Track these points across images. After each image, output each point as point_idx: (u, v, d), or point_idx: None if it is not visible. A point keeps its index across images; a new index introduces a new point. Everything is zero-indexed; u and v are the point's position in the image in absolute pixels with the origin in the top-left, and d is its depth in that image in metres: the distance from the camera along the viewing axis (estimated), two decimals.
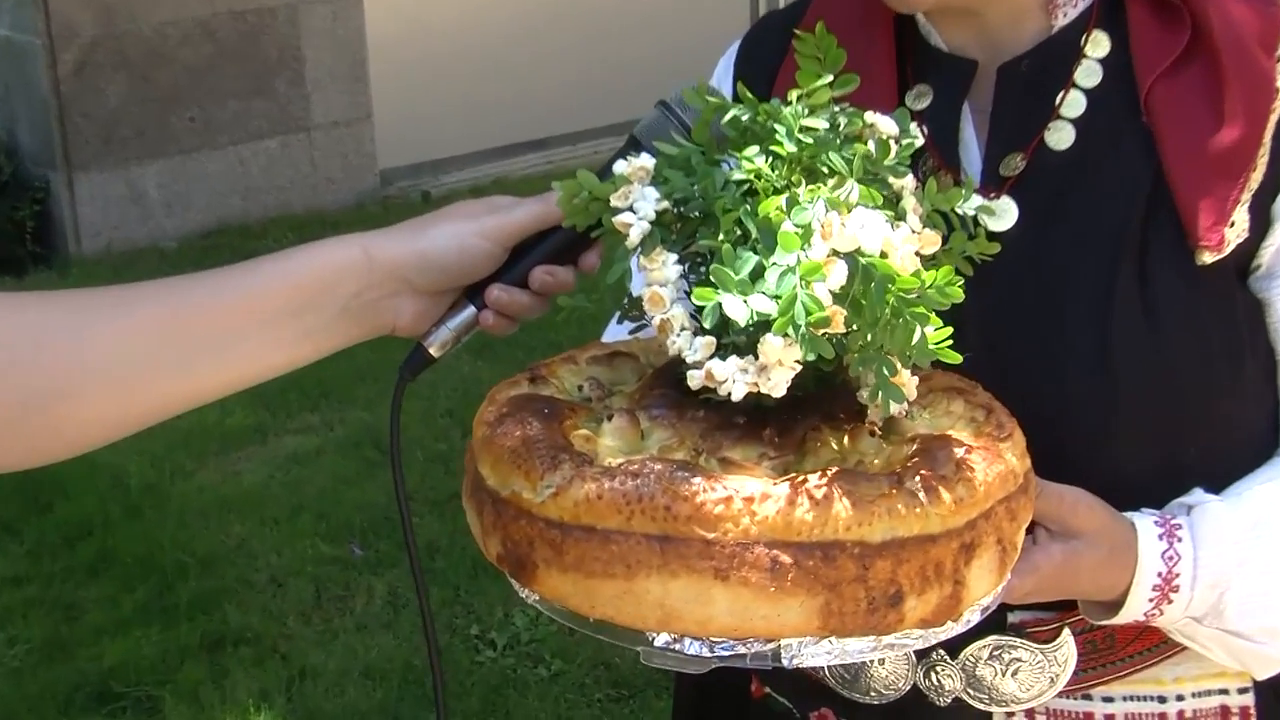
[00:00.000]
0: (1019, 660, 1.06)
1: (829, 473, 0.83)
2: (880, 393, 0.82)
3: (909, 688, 1.09)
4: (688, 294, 0.95)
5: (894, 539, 0.81)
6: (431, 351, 1.03)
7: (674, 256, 0.90)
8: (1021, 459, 0.92)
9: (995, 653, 1.07)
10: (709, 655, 0.82)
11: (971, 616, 0.88)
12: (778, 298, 0.79)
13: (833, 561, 0.80)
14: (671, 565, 0.80)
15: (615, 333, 1.19)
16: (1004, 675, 1.07)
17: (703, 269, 0.94)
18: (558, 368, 1.05)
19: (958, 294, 0.80)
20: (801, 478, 0.82)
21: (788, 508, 0.80)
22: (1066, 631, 1.06)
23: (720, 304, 0.79)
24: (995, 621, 0.98)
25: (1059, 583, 0.99)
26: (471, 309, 1.01)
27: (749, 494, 0.80)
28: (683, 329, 0.88)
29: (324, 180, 5.76)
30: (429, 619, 1.06)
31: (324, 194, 5.73)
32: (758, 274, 0.82)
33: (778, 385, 0.82)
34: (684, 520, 0.80)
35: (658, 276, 0.90)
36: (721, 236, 0.88)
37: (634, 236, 0.90)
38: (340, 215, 5.57)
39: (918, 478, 0.84)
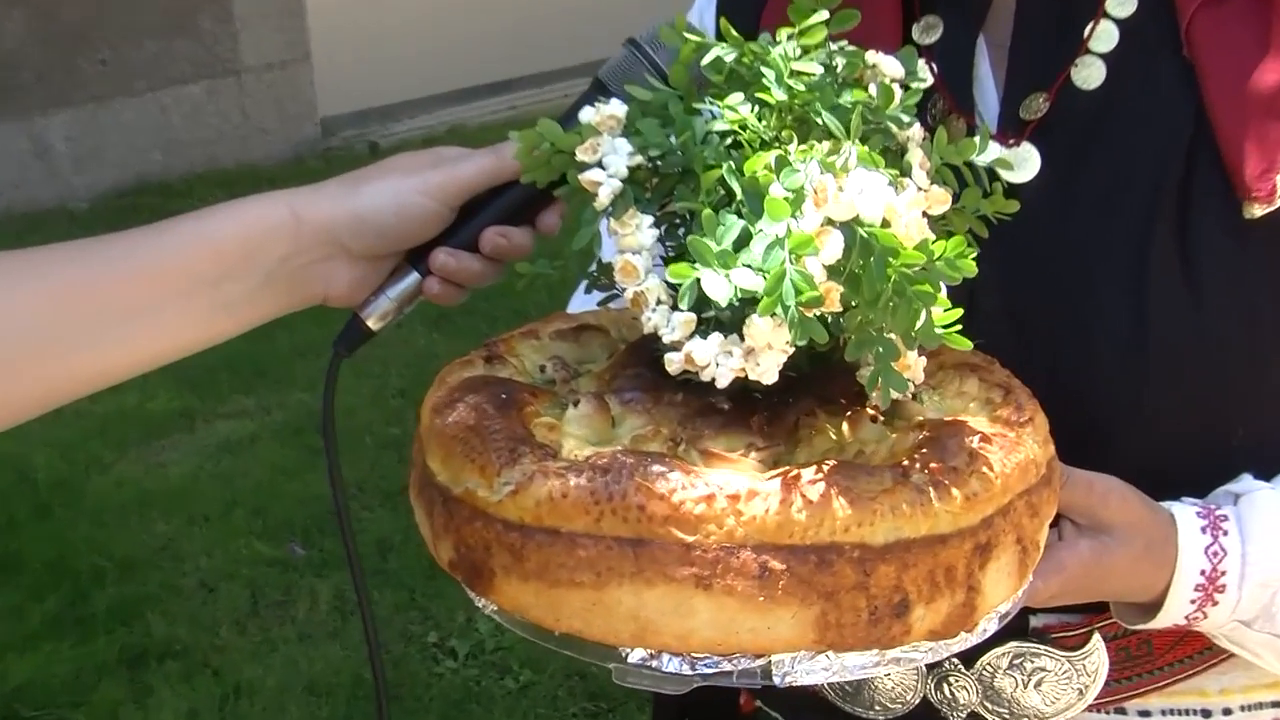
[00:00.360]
0: (1043, 670, 1.07)
1: (825, 466, 0.82)
2: (880, 379, 0.82)
3: (918, 701, 1.09)
4: (664, 261, 0.94)
5: (899, 541, 0.81)
6: (369, 324, 1.02)
7: (649, 219, 0.89)
8: (1044, 446, 0.92)
9: (1016, 661, 1.07)
10: (690, 673, 0.82)
11: (988, 625, 0.88)
12: (764, 272, 0.79)
13: (829, 567, 0.80)
14: (646, 573, 0.79)
15: (582, 303, 1.19)
16: (1026, 687, 1.07)
17: (681, 232, 0.93)
18: (517, 344, 1.05)
19: (970, 267, 0.79)
20: (794, 472, 0.82)
21: (778, 506, 0.80)
22: (1097, 637, 1.07)
23: (699, 281, 0.79)
24: (1015, 627, 0.99)
25: (1088, 583, 0.99)
26: (414, 276, 1.01)
27: (734, 491, 0.80)
28: (658, 303, 0.87)
29: (256, 131, 5.71)
30: (370, 624, 1.07)
31: (256, 146, 5.69)
32: (742, 242, 0.81)
33: (767, 371, 0.81)
34: (660, 522, 0.79)
35: (630, 243, 0.89)
36: (702, 198, 0.87)
37: (603, 196, 0.89)
38: (276, 170, 5.54)
39: (926, 470, 0.84)
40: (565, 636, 0.84)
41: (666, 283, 0.90)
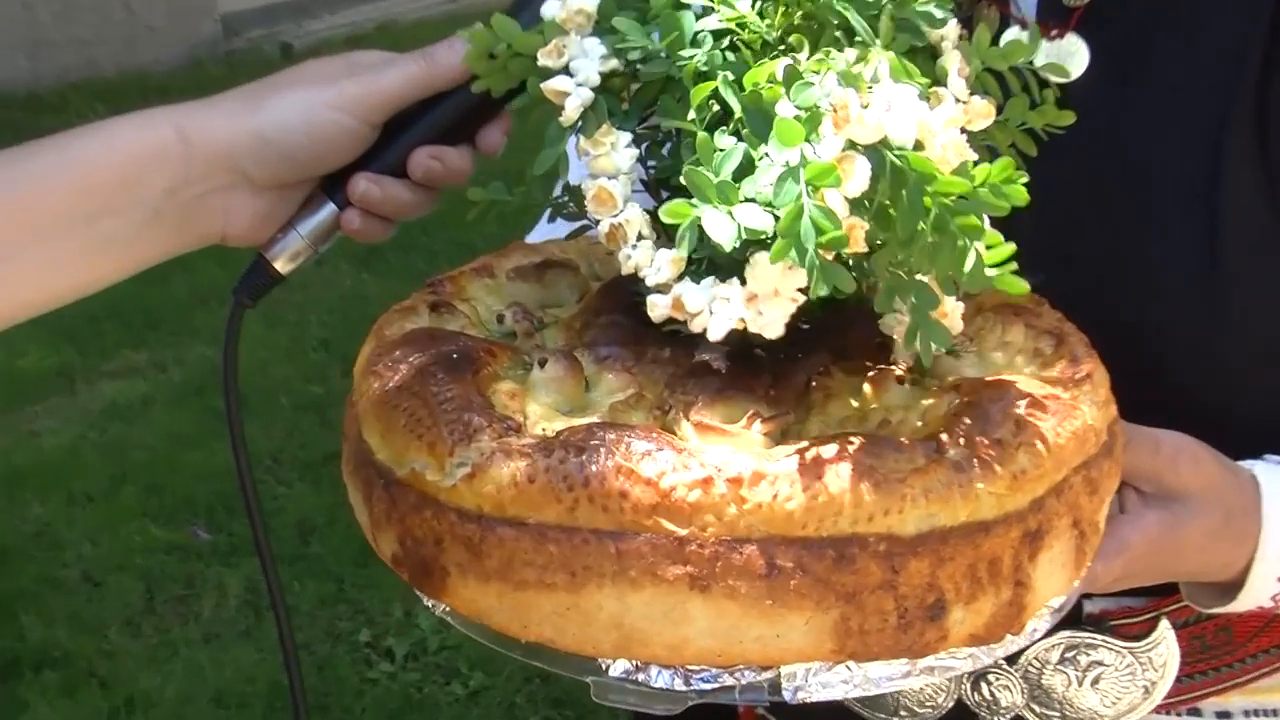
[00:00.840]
0: (1100, 664, 1.07)
1: (844, 440, 0.82)
2: (919, 333, 0.81)
3: (951, 705, 1.10)
4: (645, 185, 0.93)
5: (933, 530, 0.80)
6: (277, 266, 1.02)
7: (626, 137, 0.88)
8: (1104, 407, 0.92)
9: (1068, 655, 1.07)
10: (684, 689, 0.82)
11: (1038, 625, 0.87)
12: (771, 208, 0.77)
13: (850, 563, 0.79)
14: (631, 572, 0.79)
15: (546, 233, 1.18)
16: (1081, 685, 1.07)
17: (666, 151, 0.92)
18: (467, 284, 1.04)
19: (1020, 195, 0.78)
20: (807, 448, 0.81)
21: (789, 491, 0.79)
22: (1164, 624, 1.07)
23: (698, 222, 0.78)
24: (1067, 613, 0.98)
25: (1157, 562, 0.99)
26: (330, 208, 1.00)
27: (736, 473, 0.79)
28: (640, 238, 0.86)
29: (143, 30, 5.64)
30: (284, 622, 1.07)
31: (144, 48, 5.62)
32: (744, 170, 0.80)
33: (772, 323, 0.80)
34: (647, 511, 0.79)
35: (604, 165, 0.88)
36: (692, 114, 0.86)
37: (571, 109, 0.88)
38: (168, 78, 5.48)
39: (964, 444, 0.83)
40: (534, 646, 0.83)
41: (649, 213, 0.89)
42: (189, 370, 3.95)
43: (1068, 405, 0.88)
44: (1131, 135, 1.03)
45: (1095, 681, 1.07)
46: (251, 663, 3.01)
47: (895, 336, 0.92)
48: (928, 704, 1.10)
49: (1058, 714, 1.08)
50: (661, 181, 0.94)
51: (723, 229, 0.78)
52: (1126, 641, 1.06)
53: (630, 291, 0.97)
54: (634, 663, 0.82)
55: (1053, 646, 1.07)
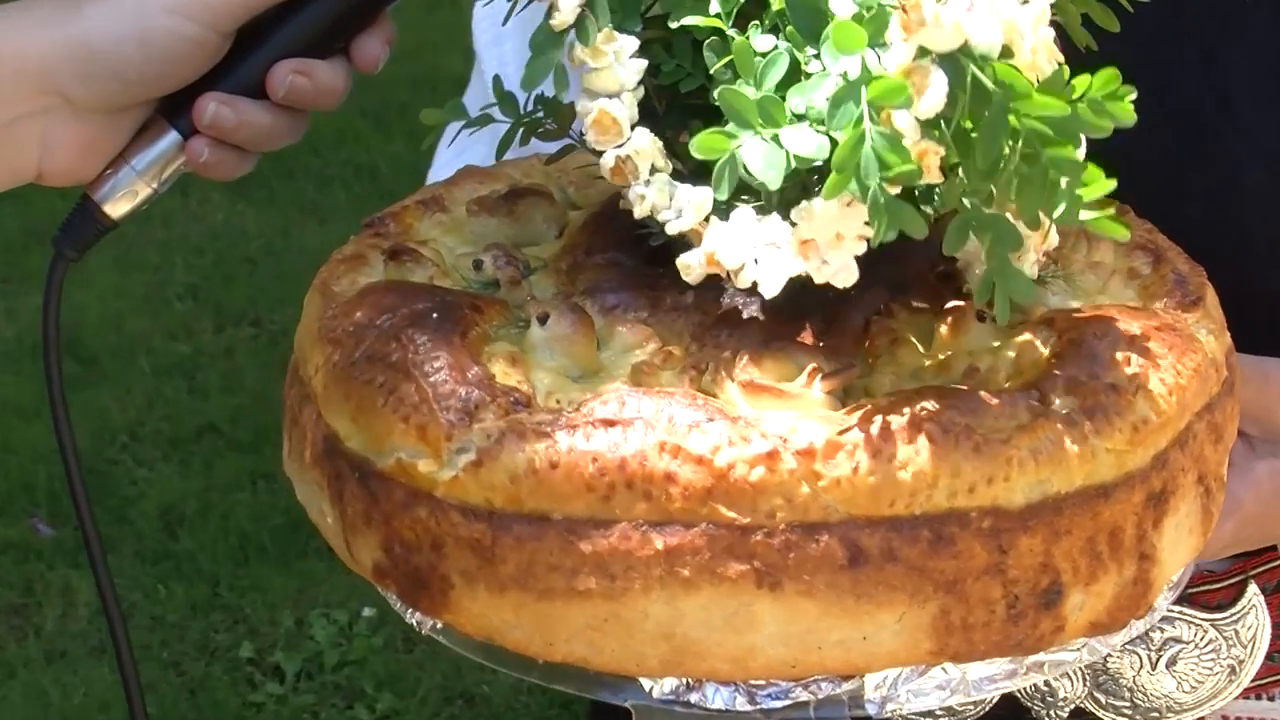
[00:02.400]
0: (1177, 641, 1.08)
1: (930, 395, 0.81)
2: (995, 284, 0.80)
3: (997, 697, 1.10)
4: (650, 107, 0.92)
5: (1045, 499, 0.80)
6: (107, 210, 1.01)
7: (633, 43, 0.86)
8: (1221, 336, 0.92)
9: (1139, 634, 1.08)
10: (747, 709, 0.81)
11: (1161, 601, 0.88)
12: (821, 126, 0.76)
13: (950, 545, 0.79)
14: (685, 571, 0.78)
15: (454, 158, 1.17)
16: (1154, 667, 1.08)
17: (672, 55, 0.91)
18: (415, 222, 1.03)
19: (1127, 113, 0.77)
20: (886, 407, 0.80)
21: (871, 463, 0.78)
22: (1252, 590, 1.08)
23: (737, 156, 0.76)
24: None
25: (1270, 521, 1.00)
26: (173, 136, 0.99)
27: (805, 443, 0.79)
28: (654, 172, 0.85)
29: None
30: (121, 639, 1.06)
31: None
32: (789, 81, 0.79)
33: (843, 269, 0.80)
34: (701, 496, 0.78)
35: (607, 81, 0.86)
36: (717, 6, 0.85)
37: (566, 8, 0.86)
38: None
39: (1071, 392, 0.83)
40: (558, 668, 0.83)
41: (665, 139, 0.87)
42: (22, 325, 3.89)
43: (1184, 336, 0.88)
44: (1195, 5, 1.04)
45: (1171, 662, 1.08)
46: (106, 685, 2.99)
47: (967, 261, 0.92)
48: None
49: (1126, 703, 1.09)
50: (674, 102, 0.93)
51: (767, 161, 0.77)
52: (1207, 613, 1.08)
53: (628, 221, 0.96)
54: (685, 680, 0.81)
55: (1111, 648, 1.08)
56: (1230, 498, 0.96)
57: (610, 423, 0.80)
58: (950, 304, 0.90)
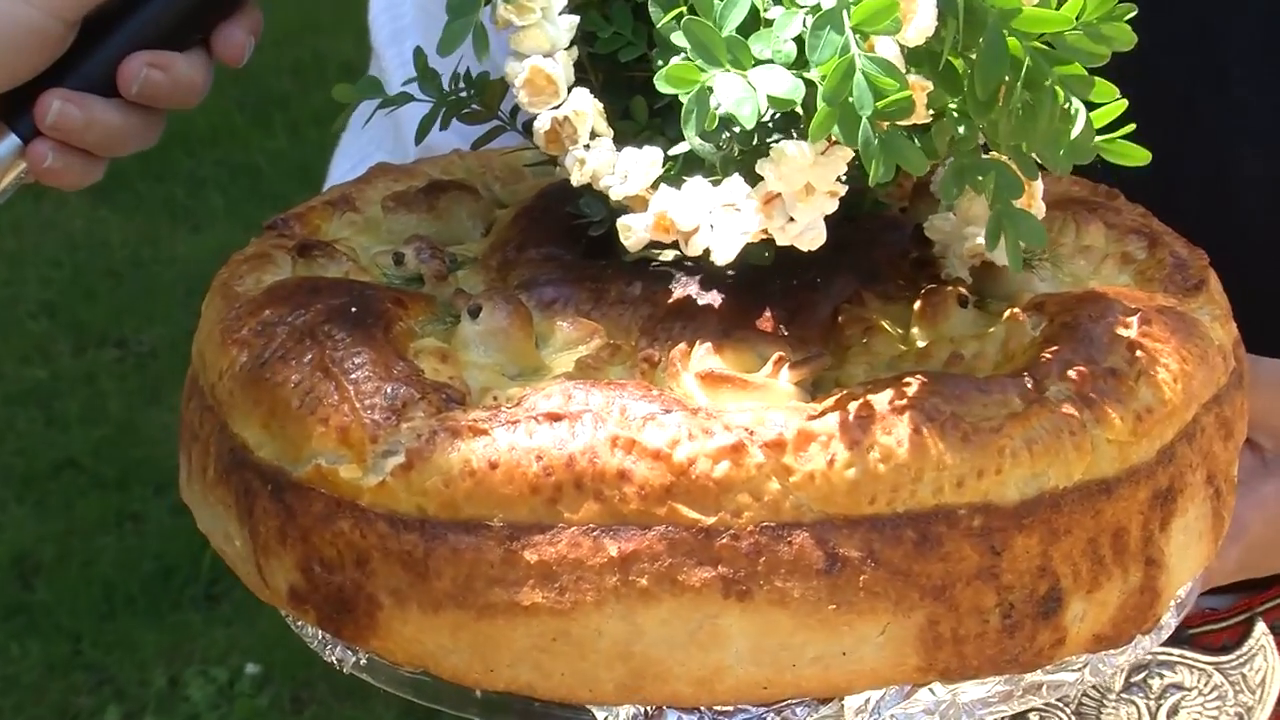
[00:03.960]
0: (1179, 688, 1.09)
1: (911, 380, 0.82)
2: (1005, 230, 0.81)
3: None
4: (589, 69, 0.92)
5: (1041, 494, 0.81)
6: None
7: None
8: (1227, 323, 0.94)
9: (1136, 679, 1.09)
10: None
11: (1168, 619, 0.89)
12: (798, 71, 0.77)
13: (937, 546, 0.79)
14: (642, 580, 0.79)
15: (361, 153, 1.17)
16: (1154, 717, 1.09)
17: (610, 22, 0.92)
18: (324, 223, 1.03)
19: (1125, 35, 0.79)
20: (863, 395, 0.81)
21: (848, 454, 0.79)
22: (1260, 629, 1.10)
23: (708, 90, 0.77)
24: None
25: (1278, 548, 1.01)
26: (11, 139, 0.98)
27: (774, 434, 0.79)
28: (593, 136, 0.86)
29: None
30: None
31: None
32: (748, 31, 0.80)
33: (811, 230, 0.80)
34: (659, 495, 0.78)
35: (536, 39, 0.87)
36: None
37: None
38: None
39: (1066, 377, 0.84)
40: (498, 698, 0.83)
41: (607, 98, 0.88)
42: None
43: (1186, 321, 0.90)
44: None
45: (1173, 712, 1.09)
46: None
47: (944, 243, 0.93)
48: None
49: None
50: (604, 59, 0.94)
51: (741, 99, 0.78)
52: (1211, 655, 1.09)
53: (562, 214, 0.97)
54: (646, 708, 0.81)
55: (1115, 669, 1.09)
56: (1235, 521, 0.97)
57: (556, 417, 0.80)
58: (926, 290, 0.91)
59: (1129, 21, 0.79)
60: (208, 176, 4.13)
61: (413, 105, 0.99)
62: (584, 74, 0.94)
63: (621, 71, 0.92)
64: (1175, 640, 1.08)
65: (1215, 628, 1.10)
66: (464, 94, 1.00)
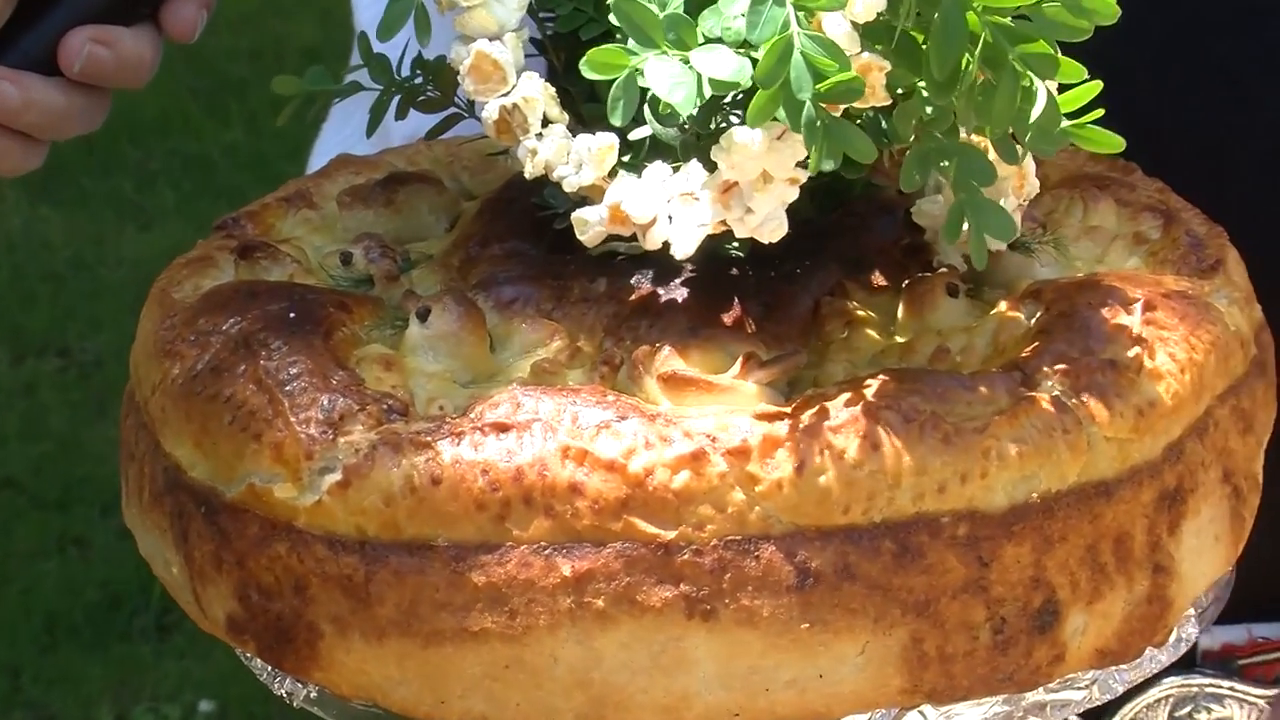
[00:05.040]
0: None
1: (889, 379, 0.82)
2: (969, 222, 0.81)
3: None
4: (538, 47, 0.93)
5: (1032, 500, 0.81)
6: None
7: None
8: (1247, 306, 0.93)
9: (1180, 713, 1.09)
10: None
11: (1184, 631, 0.89)
12: (747, 50, 0.77)
13: (919, 557, 0.80)
14: (598, 602, 0.79)
15: (343, 141, 1.17)
16: None
17: None
18: (278, 220, 1.04)
19: (1108, 8, 0.79)
20: (834, 395, 0.81)
21: (819, 460, 0.79)
22: None
23: (638, 75, 0.77)
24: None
25: None
26: None
27: (738, 440, 0.79)
28: (545, 124, 0.86)
29: None
30: None
31: None
32: (698, 9, 0.80)
33: (770, 221, 0.81)
34: (614, 509, 0.79)
35: (482, 20, 0.87)
36: None
37: None
38: None
39: (1061, 370, 0.84)
40: None
41: (562, 86, 0.88)
42: None
43: (1198, 305, 0.89)
44: None
45: None
46: None
47: (935, 228, 0.93)
48: None
49: None
50: (565, 38, 0.94)
51: (676, 83, 0.78)
52: (1262, 688, 1.09)
53: (528, 205, 0.97)
54: None
55: (1156, 701, 1.08)
56: None
57: (503, 427, 0.81)
58: (911, 280, 0.91)
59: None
60: (158, 170, 4.10)
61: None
62: (545, 54, 0.94)
63: (584, 50, 0.92)
64: (1224, 672, 1.09)
65: (1268, 658, 1.10)
66: (419, 80, 1.00)
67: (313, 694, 0.87)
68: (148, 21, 0.99)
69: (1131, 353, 0.85)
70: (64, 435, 3.54)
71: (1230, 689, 1.07)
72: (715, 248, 0.85)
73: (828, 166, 0.75)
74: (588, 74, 0.79)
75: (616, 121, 0.79)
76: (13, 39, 0.97)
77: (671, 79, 0.77)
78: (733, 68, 0.77)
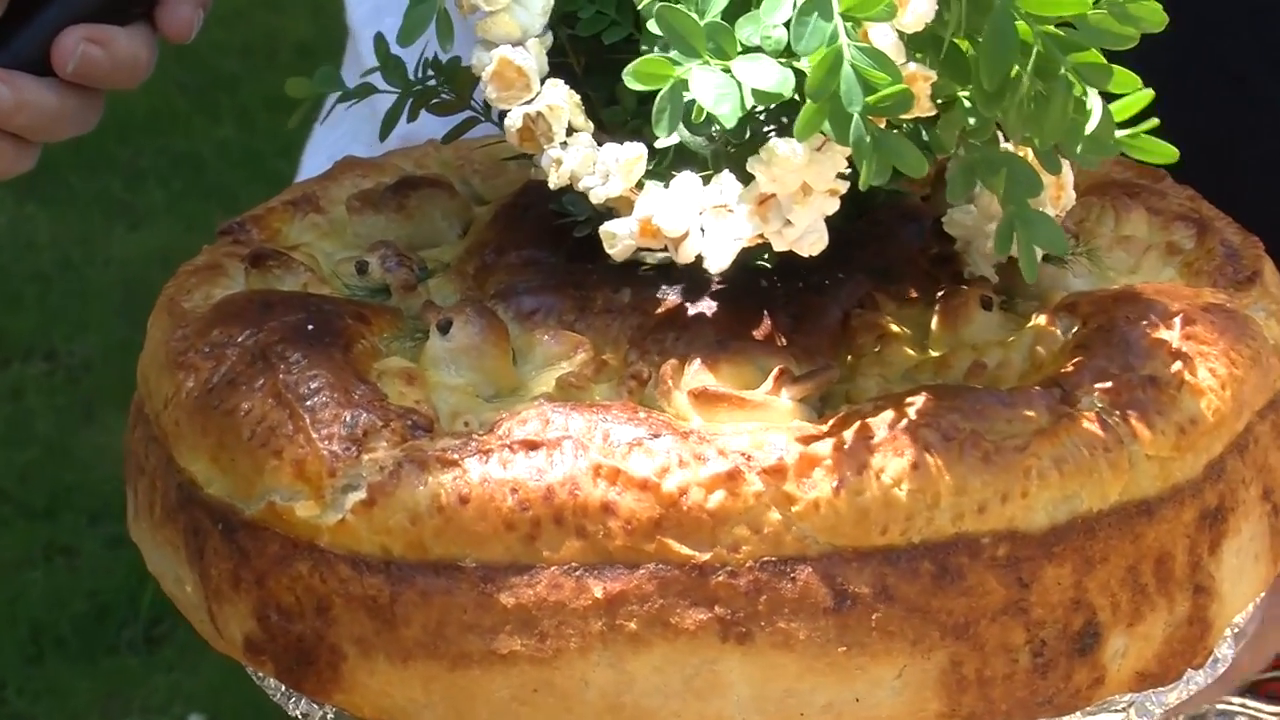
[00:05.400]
0: None
1: (926, 396, 0.82)
2: (1018, 234, 0.81)
3: None
4: (561, 53, 0.93)
5: (1074, 519, 0.82)
6: None
7: None
8: None
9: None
10: None
11: (1222, 651, 0.89)
12: (789, 60, 0.77)
13: (958, 579, 0.80)
14: (631, 624, 0.79)
15: (335, 142, 1.17)
16: None
17: (592, 1, 0.92)
18: (284, 225, 1.04)
19: (1155, 15, 0.79)
20: (871, 413, 0.82)
21: (857, 479, 0.79)
22: None
23: (684, 85, 0.78)
24: None
25: None
26: None
27: (774, 459, 0.80)
28: (571, 132, 0.87)
29: None
30: None
31: None
32: (735, 14, 0.80)
33: (810, 234, 0.81)
34: (648, 529, 0.79)
35: (505, 26, 0.87)
36: None
37: None
38: None
39: (1101, 388, 0.84)
40: None
41: (586, 93, 0.89)
42: None
43: (1236, 320, 0.90)
44: None
45: None
46: None
47: (966, 239, 0.93)
48: None
49: None
50: (586, 42, 0.94)
51: (722, 94, 0.78)
52: (1277, 705, 1.10)
53: (545, 211, 0.97)
54: None
55: (1164, 708, 1.09)
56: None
57: (532, 445, 0.81)
58: (945, 292, 0.91)
59: (1175, 6, 0.79)
60: (147, 168, 4.07)
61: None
62: (565, 59, 0.94)
63: (607, 54, 0.92)
64: (1241, 692, 1.09)
65: None
66: (432, 82, 1.01)
67: (329, 715, 0.87)
68: (142, 21, 0.99)
69: (1173, 369, 0.85)
70: (51, 441, 3.52)
71: (1242, 705, 1.08)
72: (743, 259, 0.85)
73: (878, 181, 0.75)
74: (632, 85, 0.79)
75: (661, 133, 0.79)
76: (4, 39, 0.97)
77: (717, 90, 0.77)
78: (776, 78, 0.77)
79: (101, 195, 4.06)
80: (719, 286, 0.91)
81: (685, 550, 0.79)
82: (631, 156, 0.85)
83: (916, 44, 0.78)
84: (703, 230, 0.82)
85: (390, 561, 0.81)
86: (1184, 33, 1.09)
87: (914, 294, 0.94)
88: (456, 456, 0.81)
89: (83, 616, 3.15)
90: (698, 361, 0.86)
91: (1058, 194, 0.86)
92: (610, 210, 0.86)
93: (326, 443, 0.83)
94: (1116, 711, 0.86)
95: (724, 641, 0.79)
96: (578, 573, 0.79)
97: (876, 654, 0.80)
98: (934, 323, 0.91)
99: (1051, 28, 0.78)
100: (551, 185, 0.87)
